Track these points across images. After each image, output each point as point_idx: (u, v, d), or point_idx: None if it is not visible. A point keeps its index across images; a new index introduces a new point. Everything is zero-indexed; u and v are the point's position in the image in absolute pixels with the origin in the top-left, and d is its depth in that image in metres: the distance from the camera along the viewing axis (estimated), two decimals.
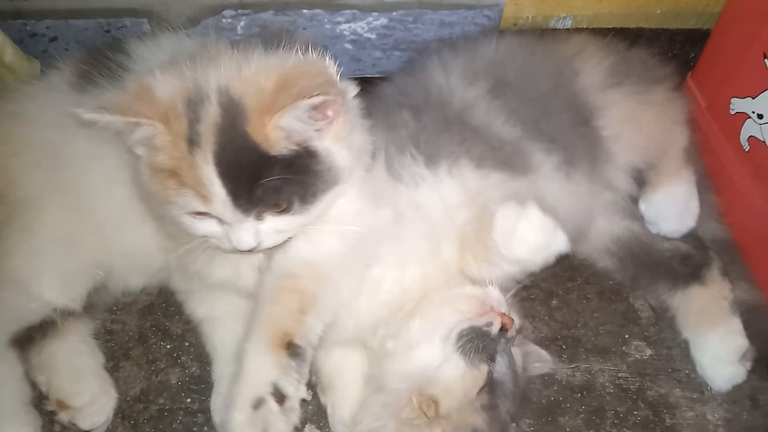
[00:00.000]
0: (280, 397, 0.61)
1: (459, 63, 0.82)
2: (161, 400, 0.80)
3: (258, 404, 0.60)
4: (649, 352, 0.87)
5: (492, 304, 0.71)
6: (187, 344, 0.84)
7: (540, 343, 0.85)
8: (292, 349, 0.62)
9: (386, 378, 0.70)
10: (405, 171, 0.74)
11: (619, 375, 0.84)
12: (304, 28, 1.00)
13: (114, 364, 0.84)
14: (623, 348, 0.87)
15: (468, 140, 0.75)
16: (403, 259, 0.72)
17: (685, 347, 0.86)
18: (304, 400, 0.66)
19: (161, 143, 0.60)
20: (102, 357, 0.83)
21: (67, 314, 0.79)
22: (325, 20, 0.99)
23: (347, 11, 0.98)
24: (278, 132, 0.59)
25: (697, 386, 0.83)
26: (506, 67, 0.82)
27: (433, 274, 0.73)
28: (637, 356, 0.86)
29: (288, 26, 0.99)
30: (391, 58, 1.06)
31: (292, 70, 0.62)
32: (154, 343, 0.86)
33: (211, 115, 0.59)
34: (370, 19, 1.00)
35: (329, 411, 0.78)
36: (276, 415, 0.60)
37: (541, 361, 0.78)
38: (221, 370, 0.78)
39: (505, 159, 0.75)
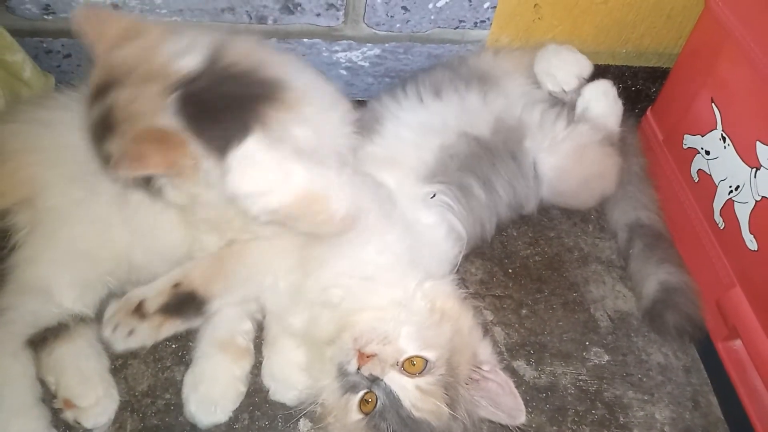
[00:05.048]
0: None
1: None
2: (167, 395, 0.85)
3: None
4: (606, 357, 0.94)
5: (361, 343, 0.72)
6: (190, 344, 0.88)
7: (510, 348, 0.93)
8: None
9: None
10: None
11: (580, 378, 0.91)
12: (304, 55, 1.07)
13: (123, 361, 0.88)
14: (584, 354, 0.94)
15: None
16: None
17: (638, 354, 0.94)
18: None
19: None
20: (108, 361, 0.86)
21: (79, 319, 0.82)
22: (324, 49, 1.07)
23: (344, 42, 1.06)
24: None
25: (648, 389, 0.91)
26: None
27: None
28: (596, 361, 0.93)
29: (289, 53, 1.06)
30: (381, 84, 1.14)
31: None
32: (160, 343, 0.88)
33: None
34: (365, 49, 1.08)
35: (263, 362, 0.86)
36: None
37: (507, 411, 0.74)
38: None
39: None
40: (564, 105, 1.00)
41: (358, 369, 0.71)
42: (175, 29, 0.78)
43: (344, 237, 0.76)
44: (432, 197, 0.87)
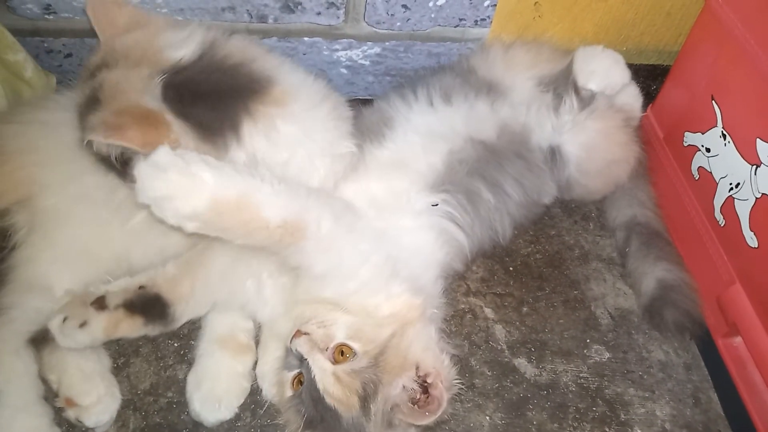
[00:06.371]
0: None
1: None
2: (170, 394, 0.85)
3: None
4: (607, 355, 0.94)
5: (302, 323, 0.75)
6: (192, 343, 0.89)
7: (511, 346, 0.93)
8: None
9: None
10: None
11: (581, 375, 0.91)
12: (304, 54, 1.07)
13: (125, 360, 0.88)
14: (584, 351, 0.94)
15: None
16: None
17: (638, 351, 0.94)
18: None
19: None
20: (109, 360, 0.86)
21: None
22: (324, 48, 1.07)
23: (344, 40, 1.06)
24: None
25: (648, 386, 0.91)
26: None
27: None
28: (596, 359, 0.94)
29: (289, 52, 1.07)
30: (382, 82, 1.14)
31: None
32: (162, 341, 0.90)
33: None
34: (365, 47, 1.08)
35: (257, 363, 0.87)
36: None
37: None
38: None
39: None
40: (569, 93, 0.99)
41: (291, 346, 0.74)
42: (178, 24, 0.81)
43: (320, 254, 0.75)
44: (435, 206, 0.87)
